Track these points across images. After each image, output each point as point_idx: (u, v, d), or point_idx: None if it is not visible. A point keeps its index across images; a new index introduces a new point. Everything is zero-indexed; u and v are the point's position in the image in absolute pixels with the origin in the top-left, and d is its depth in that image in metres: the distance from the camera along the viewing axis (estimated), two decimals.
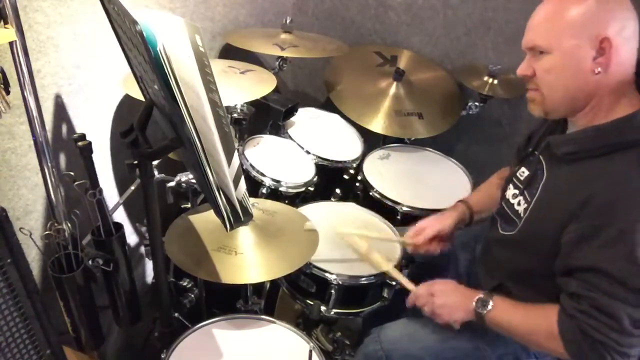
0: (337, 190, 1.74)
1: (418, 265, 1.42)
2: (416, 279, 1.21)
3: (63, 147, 1.31)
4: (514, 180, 1.15)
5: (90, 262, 1.10)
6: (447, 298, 1.09)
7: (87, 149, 1.06)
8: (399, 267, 1.32)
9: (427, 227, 1.29)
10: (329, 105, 2.01)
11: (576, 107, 0.97)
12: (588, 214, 0.90)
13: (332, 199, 1.72)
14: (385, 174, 1.74)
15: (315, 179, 1.62)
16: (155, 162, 0.95)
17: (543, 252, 1.00)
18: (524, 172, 1.12)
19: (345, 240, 1.34)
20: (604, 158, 0.93)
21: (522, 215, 1.07)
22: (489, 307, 1.03)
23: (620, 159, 0.91)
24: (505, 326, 1.02)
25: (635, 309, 0.86)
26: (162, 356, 1.07)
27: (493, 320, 1.03)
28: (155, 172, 1.08)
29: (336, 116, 1.98)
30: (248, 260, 1.11)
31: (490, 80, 1.85)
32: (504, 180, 1.32)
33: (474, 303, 1.05)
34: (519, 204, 1.09)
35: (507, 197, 1.16)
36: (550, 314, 0.96)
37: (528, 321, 1.00)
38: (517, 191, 1.12)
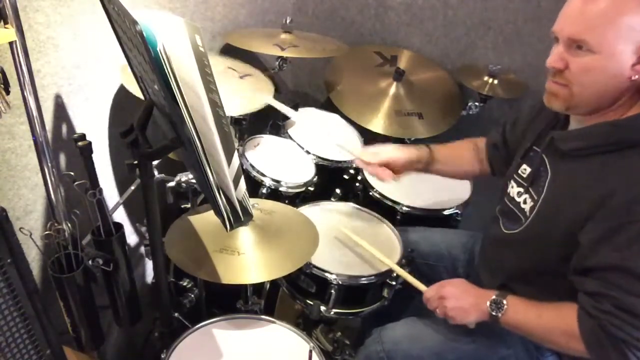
0: (337, 190, 1.74)
1: (418, 266, 1.41)
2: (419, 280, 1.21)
3: (63, 147, 1.31)
4: (516, 177, 1.14)
5: (90, 262, 1.10)
6: (458, 301, 1.08)
7: (87, 149, 1.06)
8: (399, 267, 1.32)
9: (382, 152, 1.30)
10: (329, 105, 2.01)
11: (600, 108, 0.95)
12: (607, 213, 0.89)
13: (332, 199, 1.72)
14: None
15: (315, 179, 1.62)
16: (155, 162, 0.95)
17: (551, 250, 1.00)
18: (525, 170, 1.11)
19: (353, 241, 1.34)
20: (615, 154, 0.92)
21: (528, 213, 1.06)
22: (504, 309, 1.01)
23: (635, 156, 0.90)
24: (521, 327, 1.01)
25: None
26: (162, 356, 1.07)
27: (508, 322, 1.02)
28: (155, 172, 1.08)
29: (336, 116, 1.98)
30: (248, 261, 1.11)
31: (490, 80, 1.85)
32: (477, 146, 1.34)
33: (487, 305, 1.03)
34: (525, 202, 1.08)
35: (511, 195, 1.15)
36: (568, 314, 0.95)
37: (545, 321, 0.99)
38: (521, 189, 1.11)
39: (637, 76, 0.89)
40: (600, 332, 0.89)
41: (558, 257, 0.97)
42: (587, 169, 0.95)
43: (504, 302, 1.02)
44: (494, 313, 1.02)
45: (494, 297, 1.03)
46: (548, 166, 1.04)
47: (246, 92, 1.50)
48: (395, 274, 1.31)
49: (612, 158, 0.92)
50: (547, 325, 0.98)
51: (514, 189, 1.15)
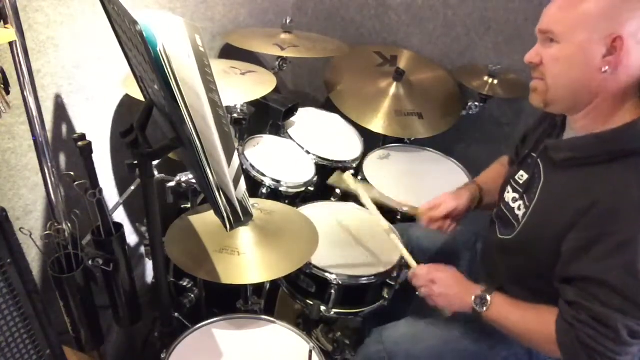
0: (337, 190, 1.74)
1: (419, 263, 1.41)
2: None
3: (63, 147, 1.31)
4: (513, 183, 1.14)
5: (90, 262, 1.10)
6: (446, 288, 1.10)
7: (87, 149, 1.06)
8: (399, 266, 1.32)
9: (443, 203, 1.29)
10: (329, 105, 2.01)
11: (577, 104, 0.95)
12: (588, 223, 0.89)
13: (332, 199, 1.72)
14: (385, 174, 1.74)
15: (315, 179, 1.62)
16: (155, 162, 0.95)
17: (541, 257, 1.00)
18: (522, 176, 1.11)
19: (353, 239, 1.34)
20: (603, 166, 0.92)
21: (520, 219, 1.06)
22: (487, 305, 1.03)
23: (620, 167, 0.90)
24: (502, 324, 1.02)
25: (633, 320, 0.86)
26: (162, 356, 1.07)
27: (490, 318, 1.03)
28: (155, 172, 1.08)
29: (336, 116, 1.98)
30: (248, 261, 1.11)
31: (490, 80, 1.85)
32: (505, 166, 1.32)
33: (472, 299, 1.05)
34: (519, 208, 1.09)
35: (506, 200, 1.15)
36: (548, 318, 0.95)
37: (525, 323, 1.00)
38: (516, 195, 1.11)
39: (607, 68, 0.88)
40: (575, 340, 0.90)
41: (548, 263, 0.98)
42: (575, 179, 0.96)
43: (488, 298, 1.03)
44: (477, 308, 1.04)
45: (479, 292, 1.05)
46: (542, 173, 1.04)
47: (248, 86, 1.50)
48: (394, 274, 1.31)
49: (597, 169, 0.92)
50: (527, 326, 1.00)
51: (509, 194, 1.15)
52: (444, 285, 1.10)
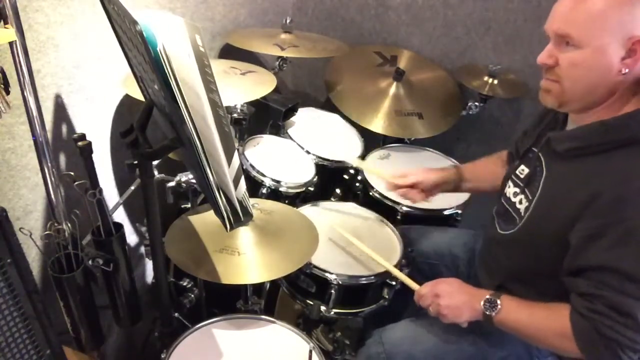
0: (337, 190, 1.74)
1: (418, 265, 1.41)
2: (416, 279, 1.21)
3: (63, 147, 1.31)
4: (514, 178, 1.14)
5: (90, 262, 1.10)
6: (452, 299, 1.08)
7: (87, 149, 1.06)
8: (399, 266, 1.32)
9: (411, 174, 1.35)
10: (329, 105, 2.01)
11: (592, 103, 0.95)
12: (595, 212, 0.89)
13: (332, 199, 1.72)
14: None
15: (315, 179, 1.62)
16: (155, 162, 0.95)
17: (544, 251, 1.00)
18: (523, 170, 1.11)
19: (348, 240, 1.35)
20: (605, 155, 0.92)
21: (523, 214, 1.06)
22: (497, 308, 1.01)
23: (624, 155, 0.90)
24: (514, 327, 1.01)
25: None
26: (162, 356, 1.07)
27: (502, 322, 1.02)
28: (155, 172, 1.08)
29: (336, 116, 1.98)
30: (248, 261, 1.11)
31: (490, 80, 1.85)
32: (502, 160, 1.33)
33: (481, 304, 1.03)
34: (520, 202, 1.08)
35: (507, 195, 1.15)
36: (561, 314, 0.95)
37: (538, 322, 0.99)
38: (517, 189, 1.11)
39: (627, 70, 0.88)
40: (593, 332, 0.89)
41: (551, 258, 0.97)
42: (579, 170, 0.96)
43: (498, 301, 1.02)
44: (487, 312, 1.02)
45: (488, 296, 1.03)
46: (544, 167, 1.04)
47: (248, 86, 1.50)
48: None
49: (599, 159, 0.92)
50: (541, 326, 0.98)
51: (510, 189, 1.15)
52: (448, 296, 1.08)
